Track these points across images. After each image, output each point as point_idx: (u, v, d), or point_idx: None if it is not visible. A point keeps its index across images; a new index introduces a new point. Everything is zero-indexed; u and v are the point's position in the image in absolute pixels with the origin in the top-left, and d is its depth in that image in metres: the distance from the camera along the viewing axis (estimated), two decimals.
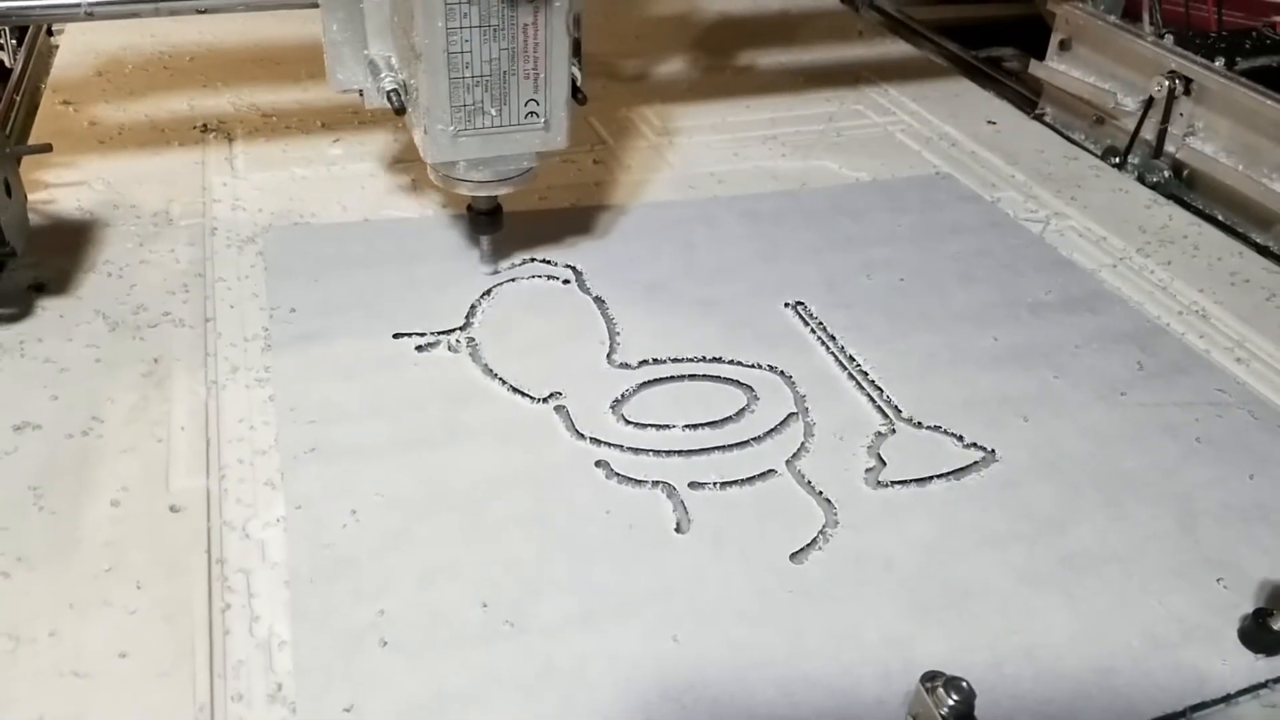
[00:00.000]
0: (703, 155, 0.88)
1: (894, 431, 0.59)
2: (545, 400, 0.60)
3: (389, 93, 0.62)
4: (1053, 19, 0.99)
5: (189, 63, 0.99)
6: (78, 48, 1.00)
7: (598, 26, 1.14)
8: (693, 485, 0.55)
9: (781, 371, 0.63)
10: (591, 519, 0.52)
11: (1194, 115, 0.86)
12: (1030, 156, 0.91)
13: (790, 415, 0.60)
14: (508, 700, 0.43)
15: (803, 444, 0.58)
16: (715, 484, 0.55)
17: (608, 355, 0.64)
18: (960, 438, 0.59)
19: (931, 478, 0.56)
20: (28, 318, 0.64)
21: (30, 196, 0.71)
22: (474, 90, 0.60)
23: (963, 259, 0.75)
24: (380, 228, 0.75)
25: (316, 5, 0.63)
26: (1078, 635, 0.48)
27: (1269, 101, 0.80)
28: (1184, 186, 0.87)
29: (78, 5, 0.63)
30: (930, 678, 0.42)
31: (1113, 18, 0.95)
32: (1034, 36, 1.05)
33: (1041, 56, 1.00)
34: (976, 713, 0.41)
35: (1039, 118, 1.00)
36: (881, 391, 0.62)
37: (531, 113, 0.61)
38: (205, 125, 0.88)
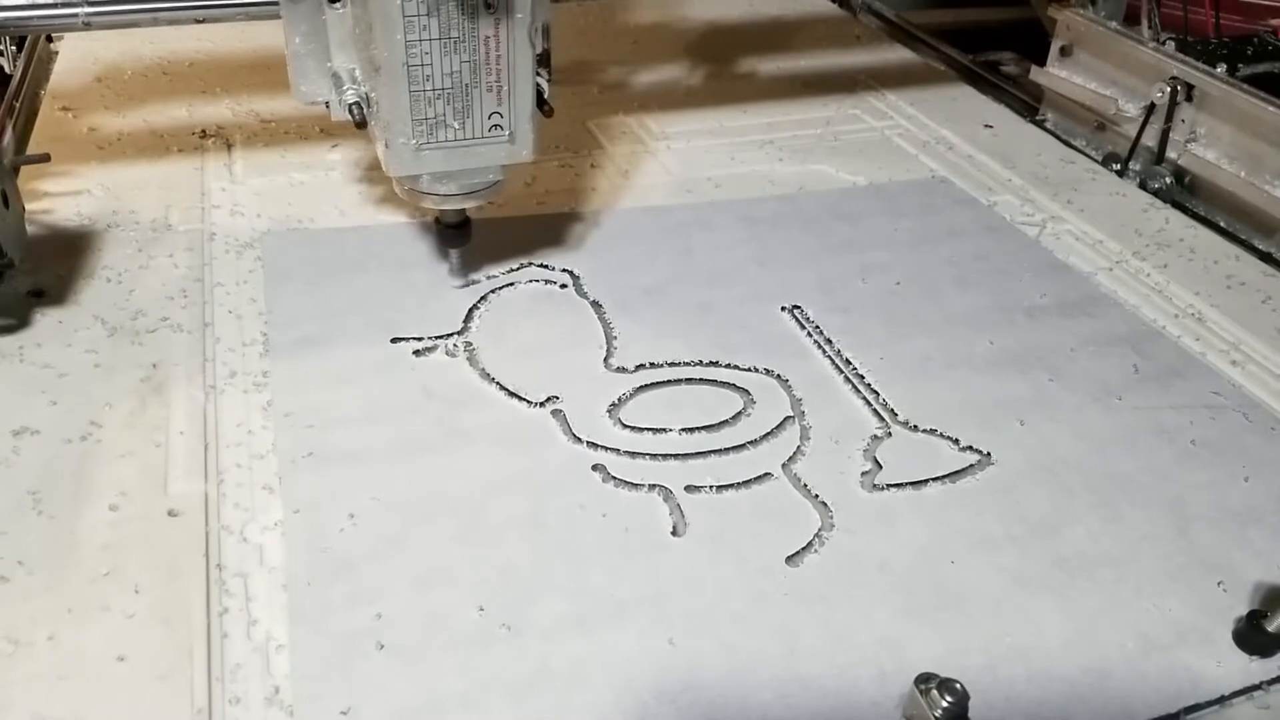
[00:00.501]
0: (700, 160, 0.88)
1: (890, 435, 0.59)
2: (542, 404, 0.60)
3: (350, 105, 0.61)
4: (1053, 25, 0.99)
5: (188, 69, 1.00)
6: (77, 54, 1.00)
7: (594, 32, 1.15)
8: (689, 488, 0.55)
9: (778, 375, 0.63)
10: (588, 522, 0.53)
11: (1196, 121, 0.86)
12: (1027, 160, 0.92)
13: (786, 418, 0.60)
14: (504, 703, 0.44)
15: (799, 447, 0.58)
16: (711, 487, 0.55)
17: (605, 359, 0.64)
18: (956, 441, 0.59)
19: (927, 481, 0.56)
20: (27, 324, 0.64)
21: (29, 205, 0.71)
22: (435, 103, 0.59)
23: (959, 263, 0.76)
24: (378, 233, 0.75)
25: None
26: (1072, 637, 0.48)
27: (1271, 108, 0.80)
28: (1186, 193, 0.88)
29: (75, 15, 0.63)
30: (925, 679, 0.42)
31: (1113, 24, 0.95)
32: (1031, 41, 1.05)
33: (1038, 60, 1.00)
34: (970, 714, 0.41)
35: (1040, 123, 1.00)
36: (878, 395, 0.62)
37: (495, 125, 0.61)
38: (204, 131, 0.88)
